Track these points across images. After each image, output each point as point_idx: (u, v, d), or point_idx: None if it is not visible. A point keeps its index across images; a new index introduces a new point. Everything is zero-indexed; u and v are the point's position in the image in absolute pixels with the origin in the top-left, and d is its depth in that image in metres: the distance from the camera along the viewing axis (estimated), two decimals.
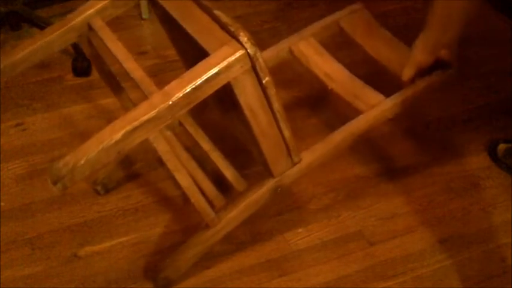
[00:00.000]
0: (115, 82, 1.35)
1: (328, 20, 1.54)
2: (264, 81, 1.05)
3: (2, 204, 1.52)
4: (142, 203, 1.54)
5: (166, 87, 1.02)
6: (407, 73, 1.38)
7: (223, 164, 1.36)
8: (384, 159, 1.67)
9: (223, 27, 1.03)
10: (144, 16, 2.09)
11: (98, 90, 1.81)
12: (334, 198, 1.57)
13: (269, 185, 1.29)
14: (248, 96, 1.07)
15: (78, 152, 0.99)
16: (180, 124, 1.42)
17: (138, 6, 2.06)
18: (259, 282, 1.39)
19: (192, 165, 1.32)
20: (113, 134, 0.99)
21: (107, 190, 1.54)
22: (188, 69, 1.03)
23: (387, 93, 1.38)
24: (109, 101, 1.76)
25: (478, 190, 1.60)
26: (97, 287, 1.37)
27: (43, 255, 1.42)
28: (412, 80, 1.39)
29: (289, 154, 1.24)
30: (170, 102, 1.00)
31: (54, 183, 0.99)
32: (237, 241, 1.44)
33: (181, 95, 1.00)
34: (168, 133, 1.34)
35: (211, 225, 1.27)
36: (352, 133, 1.34)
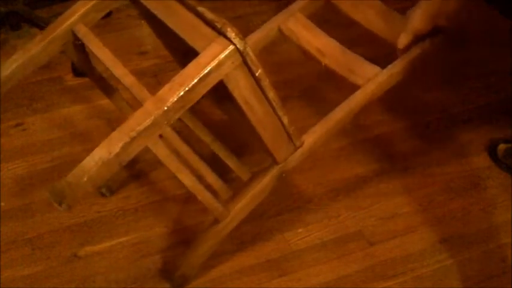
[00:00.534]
0: (106, 85, 1.34)
1: None
2: (256, 74, 1.04)
3: (2, 204, 1.52)
4: (142, 203, 1.54)
5: (159, 93, 1.00)
6: (403, 41, 1.34)
7: (226, 154, 1.35)
8: (384, 159, 1.67)
9: (209, 24, 1.01)
10: None
11: (98, 90, 1.80)
12: (334, 198, 1.57)
13: (274, 171, 1.28)
14: (242, 90, 1.05)
15: (78, 170, 0.98)
16: (178, 118, 1.42)
17: None
18: (259, 282, 1.39)
19: (194, 159, 1.31)
20: (112, 148, 0.98)
21: (112, 192, 1.54)
22: (178, 62, 1.02)
23: (382, 65, 1.35)
24: (109, 101, 1.75)
25: (478, 190, 1.60)
26: (97, 287, 1.37)
27: (43, 255, 1.42)
28: (407, 48, 1.35)
29: (290, 139, 1.23)
30: (165, 108, 0.99)
31: (59, 204, 0.98)
32: (237, 241, 1.44)
33: (175, 99, 0.99)
34: (168, 129, 1.34)
35: (221, 218, 1.26)
36: (351, 109, 1.32)
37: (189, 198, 1.52)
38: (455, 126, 1.77)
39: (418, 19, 1.33)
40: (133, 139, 0.99)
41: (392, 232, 1.50)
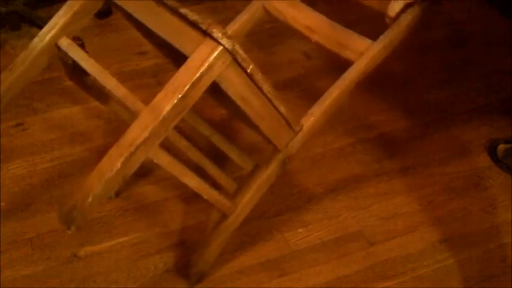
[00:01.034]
0: (99, 92, 1.33)
1: None
2: (248, 70, 1.02)
3: (2, 204, 1.52)
4: (142, 203, 1.54)
5: (153, 102, 0.98)
6: (395, 8, 1.31)
7: (227, 146, 1.34)
8: (384, 159, 1.67)
9: (194, 25, 0.99)
10: None
11: None
12: (334, 198, 1.57)
13: (277, 159, 1.27)
14: (236, 87, 1.04)
15: (83, 190, 0.97)
16: None
17: None
18: (259, 282, 1.39)
19: (195, 153, 1.30)
20: (113, 164, 0.97)
21: (117, 194, 1.54)
22: (172, 62, 1.00)
23: (372, 37, 1.32)
24: None
25: (478, 190, 1.60)
26: (97, 287, 1.37)
27: (43, 255, 1.42)
28: (398, 16, 1.32)
29: (289, 126, 1.21)
30: (161, 118, 0.97)
31: (68, 227, 0.98)
32: (237, 241, 1.44)
33: (169, 108, 0.97)
34: None
35: (229, 213, 1.26)
36: (346, 87, 1.29)
37: (189, 198, 1.52)
38: (455, 126, 1.77)
39: None
40: (132, 153, 0.97)
41: (392, 232, 1.50)
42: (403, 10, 1.32)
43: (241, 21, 1.43)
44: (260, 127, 1.16)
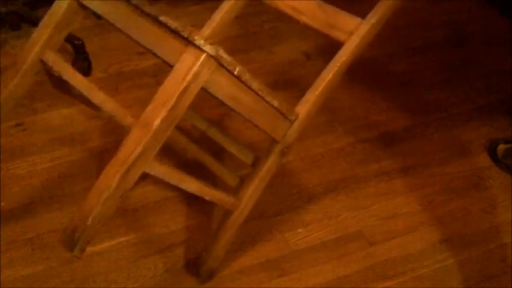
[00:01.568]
0: (88, 101, 1.32)
1: None
2: (235, 73, 1.01)
3: (2, 204, 1.52)
4: (142, 203, 1.54)
5: (143, 116, 0.97)
6: None
7: (225, 140, 1.34)
8: (384, 160, 1.67)
9: (175, 33, 0.97)
10: None
11: None
12: (334, 198, 1.57)
13: (276, 150, 1.26)
14: (225, 89, 1.03)
15: (82, 212, 0.96)
16: None
17: None
18: (259, 282, 1.39)
19: (194, 149, 1.29)
20: (110, 183, 0.96)
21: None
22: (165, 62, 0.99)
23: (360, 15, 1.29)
24: None
25: (478, 190, 1.60)
26: (97, 287, 1.37)
27: (43, 255, 1.42)
28: None
29: (285, 117, 1.20)
30: (152, 132, 0.96)
31: (71, 251, 0.98)
32: (237, 241, 1.44)
33: (159, 121, 0.96)
34: None
35: (234, 208, 1.26)
36: (339, 68, 1.26)
37: (189, 198, 1.52)
38: (455, 126, 1.78)
39: None
40: (128, 170, 0.97)
41: (392, 232, 1.50)
42: None
43: (226, 9, 1.41)
44: (255, 123, 1.15)
